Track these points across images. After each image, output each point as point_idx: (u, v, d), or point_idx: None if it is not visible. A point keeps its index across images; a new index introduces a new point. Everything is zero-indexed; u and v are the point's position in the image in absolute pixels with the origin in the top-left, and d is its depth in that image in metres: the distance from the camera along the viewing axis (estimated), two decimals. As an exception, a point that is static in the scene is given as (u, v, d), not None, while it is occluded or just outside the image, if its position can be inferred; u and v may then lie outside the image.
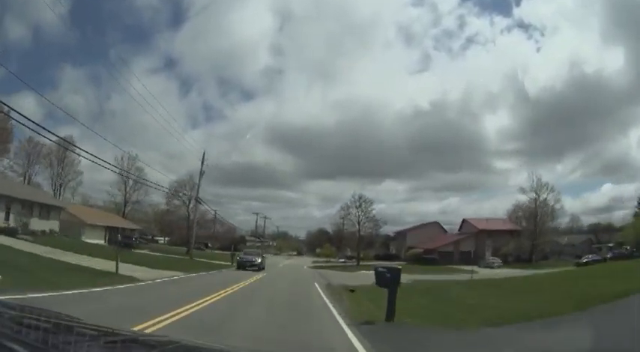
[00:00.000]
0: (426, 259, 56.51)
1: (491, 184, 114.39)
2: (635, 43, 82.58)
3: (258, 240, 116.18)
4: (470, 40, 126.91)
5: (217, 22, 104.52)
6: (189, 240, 41.14)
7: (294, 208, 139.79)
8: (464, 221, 70.17)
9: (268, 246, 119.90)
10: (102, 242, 47.68)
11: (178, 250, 50.73)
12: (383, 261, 66.80)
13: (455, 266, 50.50)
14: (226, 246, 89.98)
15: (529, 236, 60.03)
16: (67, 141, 36.23)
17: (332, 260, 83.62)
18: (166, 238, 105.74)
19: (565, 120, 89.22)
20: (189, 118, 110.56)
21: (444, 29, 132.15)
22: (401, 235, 75.52)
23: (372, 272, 11.42)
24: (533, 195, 60.42)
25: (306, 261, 78.47)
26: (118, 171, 47.76)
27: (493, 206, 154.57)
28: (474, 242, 63.90)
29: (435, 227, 75.52)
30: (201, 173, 38.12)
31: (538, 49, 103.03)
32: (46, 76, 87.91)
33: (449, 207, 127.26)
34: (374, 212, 55.15)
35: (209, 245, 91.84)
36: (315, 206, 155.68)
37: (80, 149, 57.15)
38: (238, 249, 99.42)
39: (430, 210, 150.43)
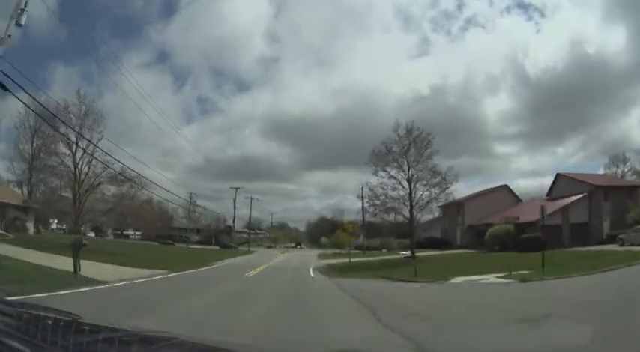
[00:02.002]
0: (529, 241, 30.31)
1: (492, 169, 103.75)
2: (636, 22, 76.26)
3: (252, 231, 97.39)
4: (469, 22, 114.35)
5: (211, 10, 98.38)
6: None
7: (292, 201, 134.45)
8: (558, 177, 43.64)
9: (262, 238, 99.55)
10: None
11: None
12: (436, 251, 40.50)
13: (602, 248, 23.98)
14: (211, 239, 76.37)
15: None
16: None
17: (342, 251, 58.89)
18: (136, 232, 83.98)
19: (566, 101, 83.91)
20: (183, 112, 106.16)
21: (442, 11, 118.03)
22: (451, 210, 48.64)
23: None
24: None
25: (310, 255, 54.10)
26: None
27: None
28: (587, 207, 37.69)
29: (503, 193, 49.03)
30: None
31: (538, 31, 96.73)
32: None
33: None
34: (434, 155, 28.34)
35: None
36: (315, 198, 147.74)
37: None
38: (221, 241, 76.81)
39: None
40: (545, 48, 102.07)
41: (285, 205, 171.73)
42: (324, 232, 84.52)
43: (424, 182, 27.96)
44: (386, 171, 28.12)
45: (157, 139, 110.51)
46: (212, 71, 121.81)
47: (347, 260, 31.42)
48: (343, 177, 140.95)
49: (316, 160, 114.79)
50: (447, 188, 28.19)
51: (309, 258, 43.34)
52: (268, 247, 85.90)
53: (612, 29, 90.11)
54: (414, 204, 28.06)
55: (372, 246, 64.24)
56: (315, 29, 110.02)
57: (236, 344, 1.94)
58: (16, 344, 1.32)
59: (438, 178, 27.85)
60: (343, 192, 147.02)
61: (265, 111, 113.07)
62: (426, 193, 28.11)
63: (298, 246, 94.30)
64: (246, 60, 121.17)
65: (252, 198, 68.69)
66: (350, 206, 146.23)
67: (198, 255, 40.95)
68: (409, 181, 28.00)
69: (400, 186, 28.18)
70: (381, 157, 28.19)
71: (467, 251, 38.61)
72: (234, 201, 60.46)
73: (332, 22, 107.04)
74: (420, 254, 32.77)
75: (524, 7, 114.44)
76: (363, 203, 53.74)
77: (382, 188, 28.18)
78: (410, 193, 27.90)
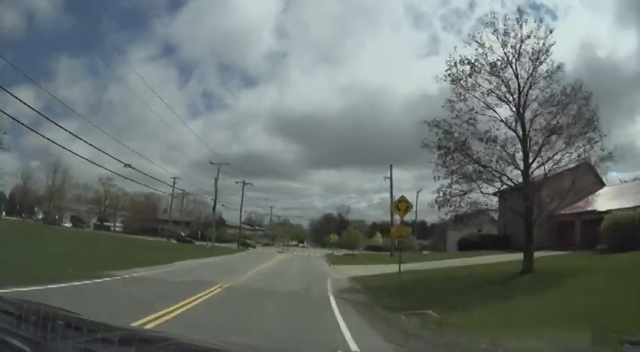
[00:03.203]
0: None
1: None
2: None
3: (252, 227, 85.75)
4: (479, 22, 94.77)
5: (218, 4, 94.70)
6: None
7: (296, 199, 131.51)
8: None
9: (262, 235, 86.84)
10: None
11: None
12: (504, 253, 26.44)
13: None
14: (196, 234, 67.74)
15: None
16: None
17: (355, 253, 47.31)
18: (117, 224, 74.00)
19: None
20: (188, 107, 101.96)
21: (452, 9, 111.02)
22: (516, 195, 34.43)
23: None
24: None
25: (315, 256, 42.87)
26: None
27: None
28: None
29: (584, 173, 35.05)
30: None
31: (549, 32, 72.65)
32: None
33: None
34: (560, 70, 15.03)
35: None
36: (318, 196, 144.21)
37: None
38: (207, 236, 64.18)
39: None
40: (555, 50, 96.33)
41: (289, 203, 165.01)
42: (330, 230, 74.69)
43: (549, 115, 14.13)
44: (471, 93, 14.25)
45: (161, 133, 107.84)
46: (218, 66, 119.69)
47: (386, 268, 17.66)
48: (347, 176, 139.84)
49: (321, 159, 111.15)
50: (596, 136, 14.13)
51: (316, 262, 30.93)
52: (265, 245, 73.11)
53: (624, 33, 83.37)
54: (530, 160, 14.41)
55: (385, 245, 52.50)
56: (323, 26, 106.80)
57: (234, 344, 1.88)
58: (16, 342, 1.29)
59: (575, 110, 13.97)
60: (347, 191, 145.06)
61: (272, 108, 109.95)
62: (555, 139, 14.30)
63: (300, 245, 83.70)
64: (253, 56, 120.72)
65: (244, 183, 55.03)
66: (353, 205, 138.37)
67: (158, 250, 28.23)
68: (520, 114, 14.22)
69: (501, 124, 14.42)
70: (465, 71, 14.27)
71: (555, 253, 24.57)
72: (216, 180, 46.96)
73: (341, 20, 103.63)
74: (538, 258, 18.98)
75: (535, 9, 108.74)
76: (391, 183, 40.67)
77: (468, 121, 14.33)
78: (524, 135, 14.16)
